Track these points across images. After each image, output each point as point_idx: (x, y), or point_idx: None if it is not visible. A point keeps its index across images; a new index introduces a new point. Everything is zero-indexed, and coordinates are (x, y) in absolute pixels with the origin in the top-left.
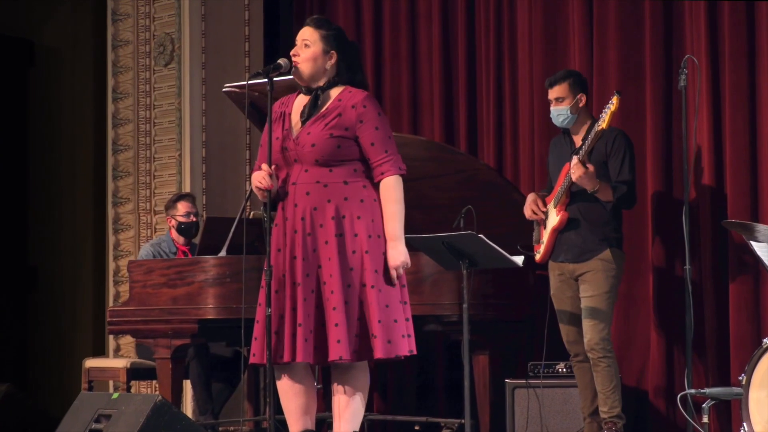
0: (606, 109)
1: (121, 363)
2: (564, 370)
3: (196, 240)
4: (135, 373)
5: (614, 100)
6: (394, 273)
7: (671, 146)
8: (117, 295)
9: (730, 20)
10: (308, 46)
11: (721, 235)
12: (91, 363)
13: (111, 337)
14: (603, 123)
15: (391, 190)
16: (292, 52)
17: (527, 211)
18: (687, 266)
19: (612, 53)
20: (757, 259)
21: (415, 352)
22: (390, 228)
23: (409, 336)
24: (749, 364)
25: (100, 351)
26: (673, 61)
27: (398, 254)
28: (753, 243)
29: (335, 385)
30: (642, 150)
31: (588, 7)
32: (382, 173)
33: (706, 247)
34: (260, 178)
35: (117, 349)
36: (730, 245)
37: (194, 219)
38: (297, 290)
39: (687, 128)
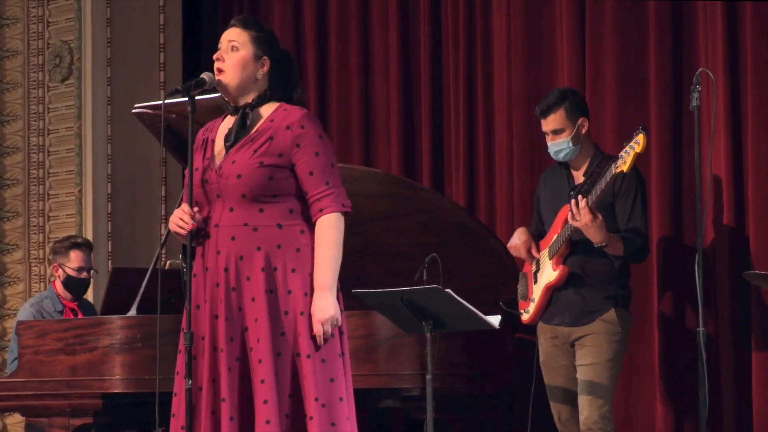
0: (629, 149)
1: None
2: None
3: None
4: None
5: (640, 139)
6: (318, 329)
7: (681, 180)
8: (3, 364)
9: (753, 26)
10: (236, 49)
11: (742, 289)
12: None
13: None
14: (624, 166)
15: (329, 229)
16: (215, 56)
17: (519, 253)
18: (701, 328)
19: (608, 66)
20: None
21: None
22: (320, 274)
23: (349, 418)
24: None
25: None
26: (683, 76)
27: (326, 307)
28: None
29: None
30: (646, 184)
31: (579, 9)
32: (321, 210)
33: (723, 305)
34: (177, 220)
35: (3, 430)
36: (752, 302)
37: (86, 276)
38: (219, 357)
39: (700, 157)
